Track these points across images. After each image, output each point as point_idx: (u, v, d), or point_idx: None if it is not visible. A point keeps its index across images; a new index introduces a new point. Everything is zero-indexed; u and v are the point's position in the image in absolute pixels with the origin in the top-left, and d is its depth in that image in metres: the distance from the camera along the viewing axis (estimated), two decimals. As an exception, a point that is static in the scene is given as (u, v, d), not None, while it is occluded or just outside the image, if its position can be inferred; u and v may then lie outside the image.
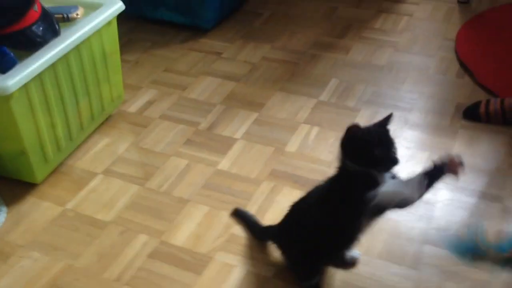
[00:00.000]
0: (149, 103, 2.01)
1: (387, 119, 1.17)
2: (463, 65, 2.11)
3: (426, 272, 1.32)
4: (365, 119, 1.87)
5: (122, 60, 2.21)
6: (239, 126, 1.87)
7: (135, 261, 1.38)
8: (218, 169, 1.68)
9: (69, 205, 1.56)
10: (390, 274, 1.32)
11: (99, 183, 1.64)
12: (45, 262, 1.38)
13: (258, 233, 1.41)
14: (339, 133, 1.88)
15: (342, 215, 1.16)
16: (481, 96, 1.92)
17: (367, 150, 1.11)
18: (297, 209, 1.28)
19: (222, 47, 2.34)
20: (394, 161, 1.12)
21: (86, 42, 1.63)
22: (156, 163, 1.72)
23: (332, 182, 1.20)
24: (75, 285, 1.33)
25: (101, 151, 1.77)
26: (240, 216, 1.45)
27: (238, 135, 1.82)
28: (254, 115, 1.92)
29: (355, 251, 1.33)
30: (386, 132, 1.15)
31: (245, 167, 1.69)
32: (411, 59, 2.19)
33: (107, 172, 1.68)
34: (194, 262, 1.38)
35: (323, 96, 2.00)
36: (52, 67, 1.52)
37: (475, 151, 1.69)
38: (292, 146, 1.77)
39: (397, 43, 2.30)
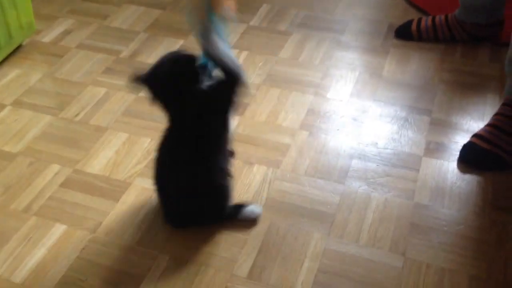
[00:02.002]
0: (66, 33, 1.85)
1: None
2: (396, -14, 2.05)
3: (352, 186, 1.28)
4: (296, 42, 1.80)
5: (36, -11, 2.04)
6: (163, 53, 1.74)
7: (45, 191, 1.28)
8: (139, 96, 1.57)
9: (-27, 138, 1.43)
10: (316, 189, 1.27)
11: (8, 114, 1.50)
12: None
13: None
14: (269, 57, 1.82)
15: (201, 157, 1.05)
16: (413, 15, 1.87)
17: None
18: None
19: (147, -25, 2.18)
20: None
21: (-20, -43, 1.45)
22: (72, 92, 1.59)
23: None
24: (-23, 218, 1.21)
25: (11, 82, 1.62)
26: None
27: (162, 62, 1.71)
28: (180, 42, 1.80)
29: (255, 207, 1.19)
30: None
31: (169, 93, 1.58)
32: (345, -17, 2.11)
33: (17, 103, 1.54)
34: (111, 189, 1.29)
35: (254, 21, 1.90)
36: None
37: (406, 68, 1.65)
38: (219, 70, 1.67)
39: (331, -32, 2.21)
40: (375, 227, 1.18)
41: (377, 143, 1.39)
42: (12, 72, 1.66)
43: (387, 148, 1.38)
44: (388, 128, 1.44)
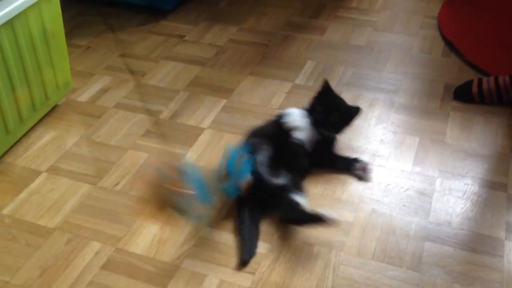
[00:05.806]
0: (103, 91, 1.76)
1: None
2: (448, 43, 1.95)
3: (429, 274, 1.13)
4: (347, 101, 1.68)
5: (72, 45, 1.98)
6: (205, 114, 1.65)
7: (85, 274, 1.15)
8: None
9: (6, 210, 1.31)
10: (388, 278, 1.13)
11: (43, 183, 1.40)
12: (-27, 281, 1.13)
13: None
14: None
15: None
16: (470, 75, 1.76)
17: None
18: None
19: (185, 29, 2.12)
20: None
21: (21, 16, 1.38)
22: (111, 158, 1.48)
23: None
24: (10, 308, 1.08)
25: (46, 146, 1.52)
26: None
27: (205, 124, 1.61)
28: (223, 102, 1.70)
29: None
30: None
31: (215, 159, 1.47)
32: (392, 38, 2.02)
33: (53, 170, 1.44)
34: (157, 273, 1.16)
35: (299, 79, 1.80)
36: (-21, 45, 1.26)
37: (471, 135, 1.52)
38: (267, 134, 1.56)
39: (375, 23, 2.13)
40: (462, 328, 1.03)
41: (450, 223, 1.25)
42: (48, 135, 1.56)
43: (463, 229, 1.24)
44: (461, 204, 1.30)
